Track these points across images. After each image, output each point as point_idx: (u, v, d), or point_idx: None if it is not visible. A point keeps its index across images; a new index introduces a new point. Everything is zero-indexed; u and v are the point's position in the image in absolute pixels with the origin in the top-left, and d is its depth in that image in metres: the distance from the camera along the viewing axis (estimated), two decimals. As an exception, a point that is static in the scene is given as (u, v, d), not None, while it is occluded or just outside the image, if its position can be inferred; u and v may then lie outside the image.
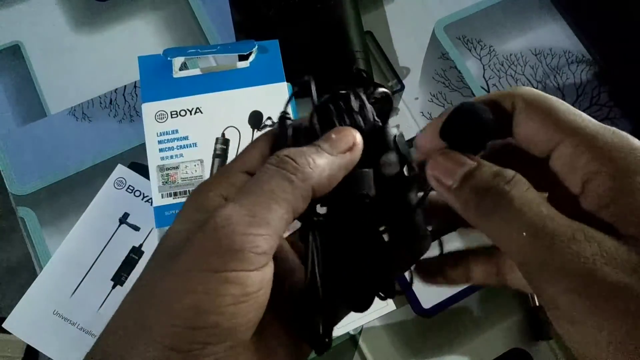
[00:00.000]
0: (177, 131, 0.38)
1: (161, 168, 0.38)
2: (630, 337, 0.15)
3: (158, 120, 0.39)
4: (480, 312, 0.45)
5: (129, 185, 0.45)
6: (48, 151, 0.48)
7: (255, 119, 0.39)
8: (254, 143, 0.23)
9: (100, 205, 0.45)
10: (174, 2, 0.53)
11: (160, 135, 0.38)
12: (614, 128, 0.19)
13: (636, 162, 0.17)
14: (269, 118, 0.39)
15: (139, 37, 0.52)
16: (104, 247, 0.44)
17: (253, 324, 0.19)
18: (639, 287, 0.15)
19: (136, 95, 0.50)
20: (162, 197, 0.37)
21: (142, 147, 0.47)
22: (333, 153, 0.21)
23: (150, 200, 0.45)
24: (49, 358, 0.41)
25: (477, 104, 0.21)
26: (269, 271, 0.19)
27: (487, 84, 0.51)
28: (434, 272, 0.25)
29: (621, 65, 0.52)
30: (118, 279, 0.43)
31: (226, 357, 0.18)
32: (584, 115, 0.19)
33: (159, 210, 0.37)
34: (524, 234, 0.17)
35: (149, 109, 0.39)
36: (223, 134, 0.39)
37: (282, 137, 0.22)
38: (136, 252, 0.43)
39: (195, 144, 0.38)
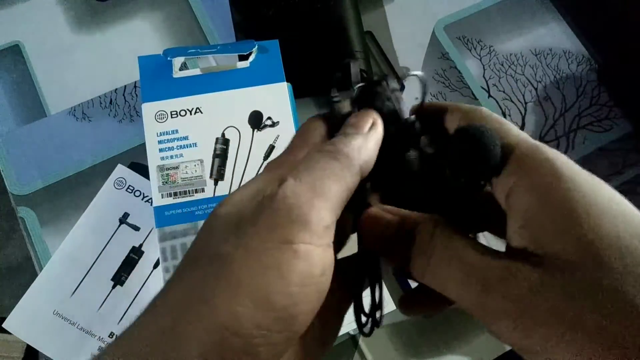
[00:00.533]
0: (177, 131, 0.38)
1: (161, 168, 0.38)
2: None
3: (158, 120, 0.39)
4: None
5: (129, 185, 0.45)
6: (48, 151, 0.48)
7: (255, 119, 0.39)
8: (310, 123, 0.24)
9: (100, 205, 0.45)
10: (174, 2, 0.53)
11: (160, 135, 0.38)
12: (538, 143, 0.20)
13: (549, 172, 0.18)
14: (269, 118, 0.39)
15: (139, 37, 0.52)
16: (104, 247, 0.44)
17: (311, 316, 0.18)
18: (568, 308, 0.16)
19: (136, 95, 0.50)
20: (162, 197, 0.37)
21: (142, 147, 0.47)
22: (359, 133, 0.22)
23: (150, 200, 0.45)
24: (49, 358, 0.41)
25: (487, 129, 0.20)
26: (330, 255, 0.19)
27: (487, 84, 0.51)
28: (413, 304, 0.25)
29: (621, 65, 0.52)
30: (118, 278, 0.43)
31: (285, 349, 0.18)
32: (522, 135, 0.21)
33: (159, 210, 0.37)
34: (459, 284, 0.19)
35: (148, 109, 0.39)
36: (223, 134, 0.38)
37: (332, 119, 0.23)
38: (136, 252, 0.43)
39: (195, 144, 0.38)
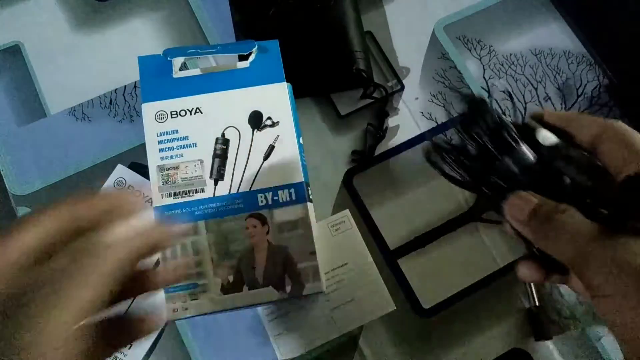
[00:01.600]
0: (177, 131, 0.38)
1: (161, 168, 0.38)
2: None
3: (158, 120, 0.39)
4: (480, 312, 0.45)
5: (129, 186, 0.45)
6: (48, 151, 0.48)
7: (256, 119, 0.39)
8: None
9: None
10: (174, 2, 0.53)
11: (160, 135, 0.38)
12: None
13: None
14: (269, 118, 0.38)
15: (139, 37, 0.52)
16: None
17: None
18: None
19: (136, 95, 0.50)
20: (162, 197, 0.37)
21: (142, 147, 0.47)
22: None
23: (150, 201, 0.44)
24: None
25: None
26: None
27: (487, 84, 0.51)
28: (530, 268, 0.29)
29: (621, 65, 0.52)
30: None
31: None
32: None
33: (160, 210, 0.37)
34: (574, 243, 0.24)
35: (148, 109, 0.39)
36: (223, 134, 0.38)
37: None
38: None
39: (195, 144, 0.38)
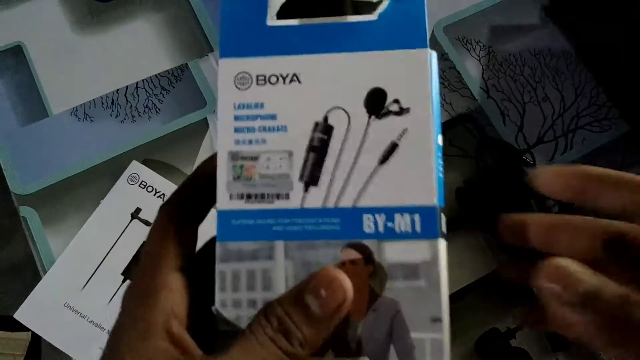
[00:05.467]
0: (262, 105, 0.26)
1: (234, 156, 0.26)
2: None
3: (238, 85, 0.27)
4: (480, 312, 0.45)
5: (142, 181, 0.45)
6: (50, 151, 0.48)
7: (376, 101, 0.26)
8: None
9: (113, 200, 0.45)
10: (176, 3, 0.53)
11: (239, 108, 0.26)
12: None
13: None
14: (396, 101, 0.26)
15: (141, 37, 0.52)
16: (115, 242, 0.44)
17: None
18: None
19: (138, 95, 0.50)
20: (231, 199, 0.26)
21: (143, 147, 0.48)
22: (323, 315, 0.20)
23: (162, 196, 0.45)
24: (51, 356, 0.42)
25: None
26: None
27: (486, 85, 0.51)
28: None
29: (619, 65, 0.52)
30: (128, 273, 0.43)
31: None
32: None
33: (224, 217, 0.26)
34: None
35: (227, 68, 0.27)
36: (325, 118, 0.26)
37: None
38: None
39: (284, 127, 0.26)
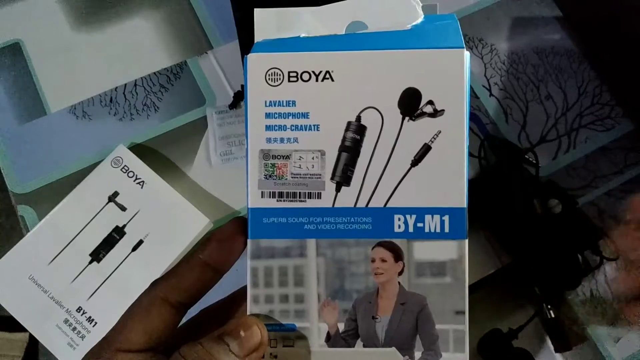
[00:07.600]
0: (294, 103, 0.26)
1: (266, 154, 0.27)
2: None
3: (269, 82, 0.26)
4: (480, 312, 0.45)
5: (124, 165, 0.45)
6: (48, 149, 0.48)
7: (410, 102, 0.26)
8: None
9: (94, 181, 0.45)
10: (174, 0, 0.53)
11: (270, 105, 0.26)
12: None
13: None
14: (430, 103, 0.26)
15: (139, 35, 0.52)
16: (89, 222, 0.44)
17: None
18: None
19: (136, 93, 0.50)
20: (262, 197, 0.26)
21: (142, 146, 0.47)
22: (241, 355, 0.21)
23: (141, 183, 0.45)
24: (49, 355, 0.41)
25: None
26: None
27: (489, 83, 0.51)
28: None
29: (623, 64, 0.51)
30: (96, 255, 0.43)
31: None
32: None
33: (256, 215, 0.26)
34: None
35: (257, 63, 0.26)
36: (359, 117, 0.26)
37: None
38: (118, 231, 0.44)
39: (317, 127, 0.26)
